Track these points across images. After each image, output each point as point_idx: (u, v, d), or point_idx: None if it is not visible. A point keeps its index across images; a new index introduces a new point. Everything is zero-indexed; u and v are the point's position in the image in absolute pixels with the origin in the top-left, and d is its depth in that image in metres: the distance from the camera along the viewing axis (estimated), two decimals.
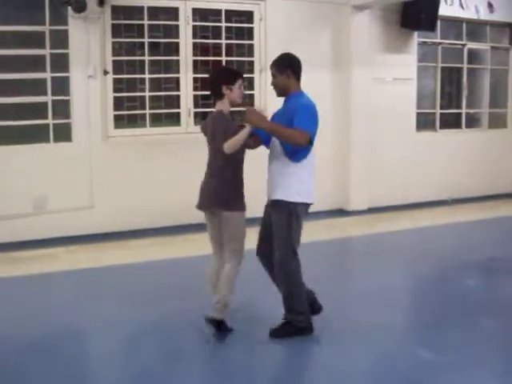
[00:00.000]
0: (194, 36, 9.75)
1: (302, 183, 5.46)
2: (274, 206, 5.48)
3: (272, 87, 5.68)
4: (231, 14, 10.01)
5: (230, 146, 5.20)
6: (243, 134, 5.21)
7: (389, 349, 5.34)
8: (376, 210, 11.04)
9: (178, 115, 9.80)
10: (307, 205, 5.52)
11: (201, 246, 8.57)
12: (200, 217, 9.47)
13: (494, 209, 11.62)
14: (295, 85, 5.60)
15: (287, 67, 5.57)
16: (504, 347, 5.45)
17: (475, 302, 6.57)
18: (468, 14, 12.06)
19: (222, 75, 5.63)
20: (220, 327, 5.46)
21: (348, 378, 4.84)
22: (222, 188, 5.48)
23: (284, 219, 5.40)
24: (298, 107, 5.37)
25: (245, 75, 10.01)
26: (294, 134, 5.22)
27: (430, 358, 5.11)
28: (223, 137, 5.27)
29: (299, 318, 5.54)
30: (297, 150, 5.36)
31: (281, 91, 5.60)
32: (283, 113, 5.54)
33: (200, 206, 5.73)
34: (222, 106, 5.51)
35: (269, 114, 5.64)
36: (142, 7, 9.36)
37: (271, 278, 5.73)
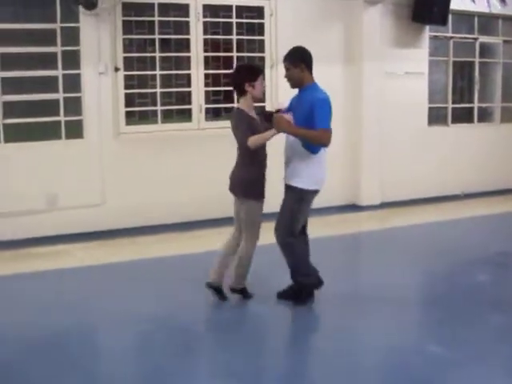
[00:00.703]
0: (205, 32, 9.74)
1: (319, 173, 5.87)
2: (290, 190, 5.89)
3: (286, 79, 5.96)
4: (242, 10, 10.00)
5: (253, 142, 5.62)
6: (268, 135, 5.60)
7: (398, 344, 5.34)
8: (388, 205, 11.02)
9: (189, 111, 9.80)
10: (318, 191, 5.91)
11: (211, 242, 8.63)
12: (210, 213, 9.58)
13: (505, 203, 11.57)
14: (309, 77, 5.90)
15: (301, 61, 5.86)
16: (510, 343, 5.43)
17: (484, 297, 6.55)
18: (480, 7, 12.01)
19: (244, 73, 5.85)
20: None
21: (357, 372, 4.87)
22: (242, 176, 5.95)
23: (296, 204, 5.84)
24: (316, 102, 5.69)
25: None
26: (318, 136, 5.62)
27: (440, 354, 5.11)
28: (244, 133, 5.67)
29: (309, 279, 6.06)
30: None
31: (295, 83, 5.91)
32: (298, 103, 5.87)
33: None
34: (245, 103, 5.83)
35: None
36: (153, 4, 9.36)
37: None
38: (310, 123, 5.60)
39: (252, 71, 5.85)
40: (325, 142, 5.62)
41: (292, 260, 5.97)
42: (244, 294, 6.21)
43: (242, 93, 5.81)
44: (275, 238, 5.94)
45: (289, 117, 5.59)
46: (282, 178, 6.01)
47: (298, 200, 5.83)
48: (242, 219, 5.97)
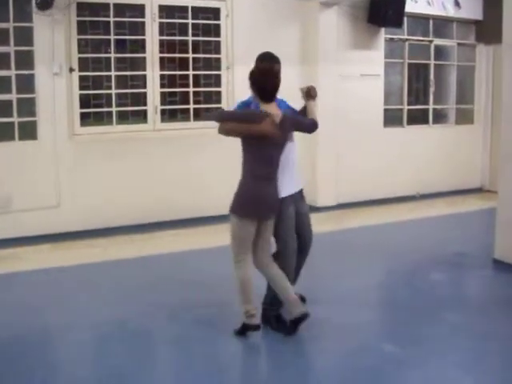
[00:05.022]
0: (161, 33, 9.68)
1: None
2: (302, 193, 6.03)
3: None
4: (198, 11, 9.96)
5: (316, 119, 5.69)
6: (315, 109, 5.75)
7: (355, 344, 5.38)
8: (344, 206, 11.08)
9: (144, 112, 9.75)
10: None
11: (169, 243, 8.60)
12: (166, 215, 9.54)
13: (460, 204, 11.72)
14: None
15: None
16: (467, 340, 5.51)
17: (441, 296, 6.63)
18: (435, 10, 12.13)
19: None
20: None
21: (314, 373, 4.88)
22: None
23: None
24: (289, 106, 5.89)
25: (211, 72, 10.06)
26: None
27: (396, 353, 5.17)
28: (308, 121, 5.67)
29: None
30: None
31: None
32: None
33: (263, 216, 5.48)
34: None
35: None
36: (108, 4, 9.28)
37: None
38: None
39: None
40: None
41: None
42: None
43: (273, 99, 5.41)
44: (308, 246, 6.03)
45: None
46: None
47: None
48: (269, 235, 5.56)
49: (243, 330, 5.46)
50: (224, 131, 5.30)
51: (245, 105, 5.69)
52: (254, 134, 5.20)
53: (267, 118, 5.21)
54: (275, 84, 5.39)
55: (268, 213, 5.44)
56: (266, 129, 5.20)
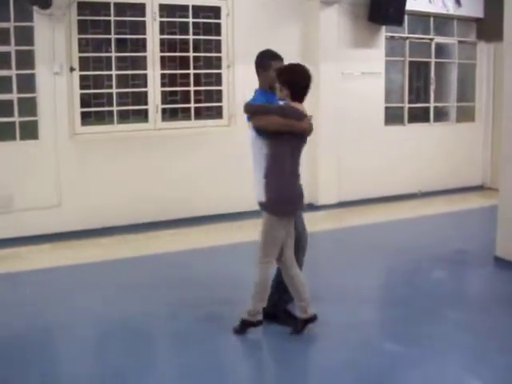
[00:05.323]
0: (161, 32, 9.68)
1: None
2: None
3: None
4: (198, 10, 9.95)
5: None
6: None
7: (356, 344, 5.37)
8: (345, 204, 11.06)
9: (145, 112, 9.74)
10: None
11: (170, 243, 8.59)
12: (168, 214, 9.54)
13: (462, 202, 11.70)
14: None
15: None
16: (469, 338, 5.53)
17: (442, 294, 6.62)
18: (435, 8, 12.12)
19: None
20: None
21: (315, 374, 4.89)
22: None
23: None
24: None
25: (212, 71, 10.04)
26: None
27: (397, 351, 5.18)
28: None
29: None
30: None
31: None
32: None
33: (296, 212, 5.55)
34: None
35: None
36: (109, 3, 9.27)
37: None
38: None
39: None
40: None
41: None
42: None
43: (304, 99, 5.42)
44: (306, 246, 5.88)
45: None
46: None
47: None
48: (293, 232, 5.50)
49: (244, 328, 5.46)
50: (266, 124, 5.27)
51: (267, 101, 5.57)
52: (294, 130, 5.27)
53: (306, 116, 5.30)
54: (309, 84, 5.34)
55: (299, 209, 5.56)
56: (307, 127, 5.33)
